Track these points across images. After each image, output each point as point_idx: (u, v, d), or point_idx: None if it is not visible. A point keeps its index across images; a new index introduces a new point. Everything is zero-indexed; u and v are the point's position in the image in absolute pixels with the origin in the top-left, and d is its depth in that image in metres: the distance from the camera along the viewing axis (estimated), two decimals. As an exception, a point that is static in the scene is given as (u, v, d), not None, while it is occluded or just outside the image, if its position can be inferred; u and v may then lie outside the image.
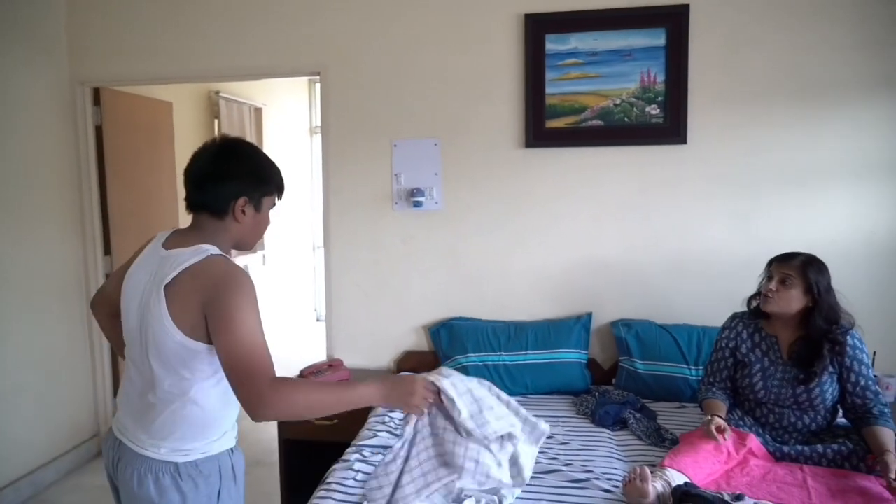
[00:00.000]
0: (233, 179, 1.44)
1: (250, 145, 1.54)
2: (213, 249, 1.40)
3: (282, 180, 1.53)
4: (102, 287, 1.67)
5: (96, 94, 3.39)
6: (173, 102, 3.97)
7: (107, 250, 3.47)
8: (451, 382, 1.56)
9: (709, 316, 2.74)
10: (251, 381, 1.26)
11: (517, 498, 1.82)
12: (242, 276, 1.36)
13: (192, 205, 1.47)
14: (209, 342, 1.34)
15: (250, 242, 1.53)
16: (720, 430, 1.90)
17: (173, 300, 1.34)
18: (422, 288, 3.04)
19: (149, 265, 1.44)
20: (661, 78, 2.74)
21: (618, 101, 2.78)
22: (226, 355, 1.29)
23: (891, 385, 2.54)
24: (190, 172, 1.47)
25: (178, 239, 1.45)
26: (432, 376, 1.55)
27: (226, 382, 1.32)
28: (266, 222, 1.53)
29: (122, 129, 3.54)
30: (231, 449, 1.49)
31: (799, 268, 2.01)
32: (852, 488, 1.80)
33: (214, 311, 1.31)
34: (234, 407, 1.47)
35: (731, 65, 2.70)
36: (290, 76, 3.32)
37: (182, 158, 4.04)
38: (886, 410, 1.96)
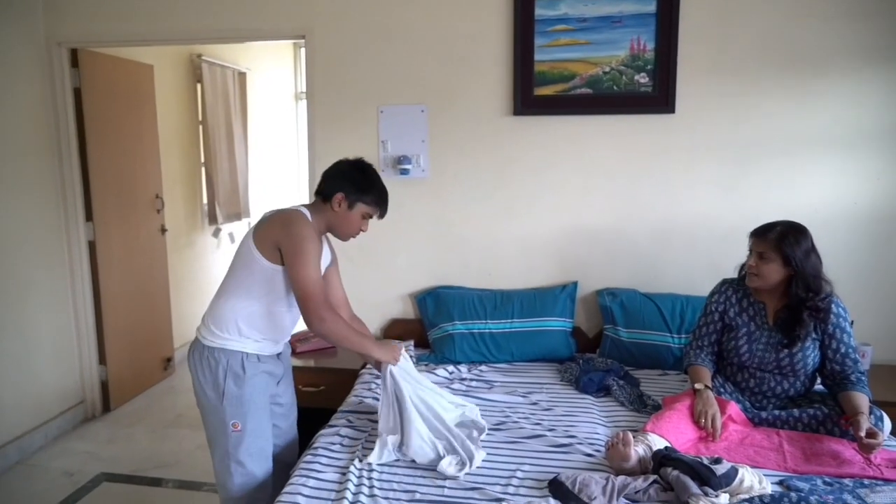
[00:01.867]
0: (341, 179, 1.96)
1: (371, 169, 2.01)
2: (302, 209, 1.93)
3: (380, 199, 1.99)
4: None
5: (74, 55, 3.30)
6: (154, 65, 3.87)
7: (88, 216, 3.42)
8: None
9: (693, 285, 2.77)
10: (314, 302, 1.81)
11: (502, 460, 1.87)
12: (307, 227, 1.87)
13: (317, 189, 2.00)
14: (273, 262, 1.85)
15: (339, 233, 2.01)
16: (714, 428, 1.92)
17: (259, 229, 1.91)
18: (408, 256, 3.04)
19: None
20: (650, 46, 2.71)
21: (607, 69, 2.76)
22: (295, 282, 1.82)
23: (866, 353, 2.60)
24: (325, 170, 2.02)
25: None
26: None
27: (257, 306, 1.90)
28: (354, 222, 1.98)
29: (102, 92, 3.46)
30: (247, 354, 1.91)
31: (774, 243, 2.00)
32: (826, 452, 1.86)
33: (290, 252, 1.82)
34: (257, 328, 1.92)
35: (721, 33, 2.68)
36: (275, 39, 3.27)
37: (164, 123, 4.02)
38: (863, 378, 2.01)
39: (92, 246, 3.45)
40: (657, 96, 2.74)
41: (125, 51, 3.63)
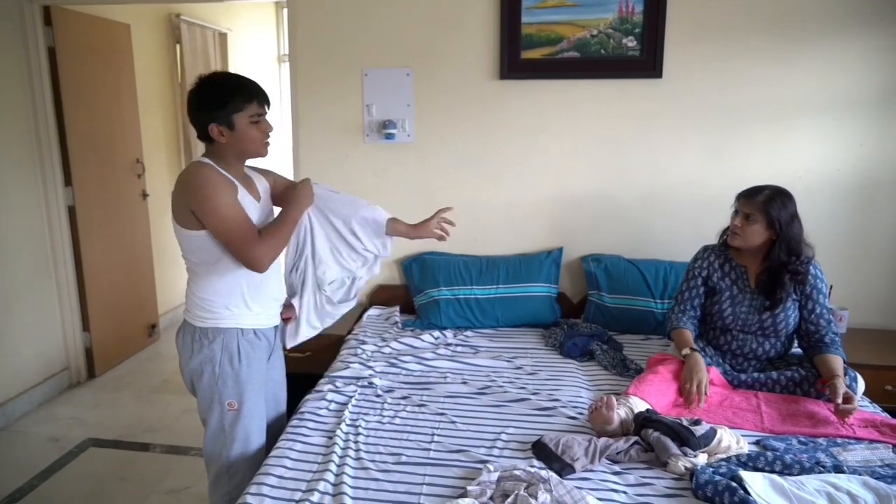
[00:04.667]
0: (200, 112, 1.72)
1: (216, 77, 1.76)
2: (199, 160, 1.75)
3: (247, 95, 1.72)
4: None
5: (47, 13, 3.18)
6: (131, 25, 3.75)
7: (67, 181, 3.35)
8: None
9: (676, 251, 2.80)
10: (246, 245, 1.69)
11: (487, 423, 1.90)
12: (202, 174, 1.69)
13: (198, 136, 1.78)
14: (195, 229, 1.70)
15: (250, 153, 1.80)
16: (699, 394, 1.92)
17: (173, 202, 1.74)
18: (394, 222, 3.02)
19: None
20: (639, 8, 2.67)
21: (595, 32, 2.72)
22: (218, 237, 1.70)
23: (843, 317, 2.66)
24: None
25: None
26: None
27: (218, 268, 1.75)
28: (249, 136, 1.75)
29: (78, 51, 3.35)
30: (242, 330, 1.81)
31: (761, 205, 2.04)
32: (801, 412, 1.92)
33: (197, 207, 1.67)
34: (241, 297, 1.80)
35: (711, -4, 2.65)
36: (256, -2, 3.16)
37: (143, 85, 3.92)
38: (837, 339, 2.06)
39: (72, 211, 3.39)
40: (645, 60, 2.71)
41: (99, 9, 3.51)
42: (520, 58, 2.78)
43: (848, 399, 1.83)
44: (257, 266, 1.72)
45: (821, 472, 1.57)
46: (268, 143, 1.81)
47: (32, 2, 3.11)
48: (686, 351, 2.06)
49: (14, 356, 3.15)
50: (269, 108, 1.79)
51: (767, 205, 2.03)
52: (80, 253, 3.43)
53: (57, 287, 3.40)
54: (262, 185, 1.93)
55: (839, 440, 1.77)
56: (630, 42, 2.71)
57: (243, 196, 1.77)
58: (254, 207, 1.81)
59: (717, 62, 2.69)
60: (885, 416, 1.93)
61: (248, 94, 1.72)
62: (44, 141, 3.24)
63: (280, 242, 1.78)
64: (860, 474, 1.56)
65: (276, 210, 1.96)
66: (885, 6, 2.56)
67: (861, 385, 2.02)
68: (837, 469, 1.59)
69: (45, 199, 3.30)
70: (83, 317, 3.51)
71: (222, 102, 1.70)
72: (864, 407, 1.99)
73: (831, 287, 2.15)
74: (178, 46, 4.31)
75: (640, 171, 2.83)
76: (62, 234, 3.36)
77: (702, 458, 1.64)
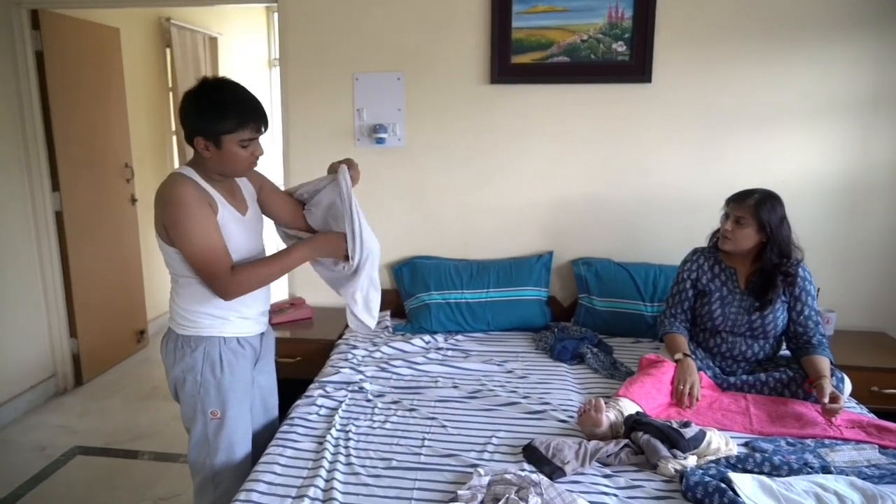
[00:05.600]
0: (186, 122, 1.65)
1: (219, 86, 1.64)
2: (179, 170, 1.69)
3: (243, 116, 1.62)
4: None
5: (35, 17, 3.16)
6: (120, 29, 3.74)
7: (55, 186, 3.33)
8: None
9: (666, 255, 2.81)
10: (213, 278, 1.64)
11: (478, 427, 1.91)
12: (177, 193, 1.61)
13: (185, 138, 1.70)
14: (173, 246, 1.66)
15: (229, 173, 1.72)
16: (692, 396, 1.96)
17: (154, 215, 1.68)
18: (384, 226, 3.01)
19: None
20: (628, 14, 2.69)
21: (585, 38, 2.74)
22: (189, 262, 1.66)
23: (830, 319, 2.69)
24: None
25: None
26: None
27: (199, 279, 1.68)
28: (236, 158, 1.67)
29: (66, 56, 3.33)
30: (224, 339, 1.78)
31: (752, 209, 2.07)
32: (790, 413, 1.93)
33: (169, 227, 1.63)
34: (223, 307, 1.74)
35: (699, 1, 2.66)
36: (247, 2, 3.16)
37: (132, 89, 3.90)
38: (824, 341, 2.09)
39: (59, 217, 3.36)
40: (634, 65, 2.73)
41: (88, 12, 3.50)
42: (510, 62, 2.79)
43: (835, 398, 1.85)
44: (222, 297, 1.67)
45: (809, 473, 1.58)
46: (254, 166, 1.73)
47: (20, 5, 3.09)
48: (679, 356, 2.08)
49: (2, 364, 3.11)
50: (265, 129, 1.69)
51: (758, 208, 2.06)
52: (67, 258, 3.40)
53: (44, 293, 3.37)
54: (249, 192, 1.87)
55: (827, 441, 1.78)
56: (620, 47, 2.73)
57: (224, 213, 1.70)
58: (237, 224, 1.74)
59: (706, 67, 2.71)
60: (872, 417, 1.95)
61: (243, 118, 1.62)
62: (31, 145, 3.22)
63: (258, 280, 1.71)
64: (847, 475, 1.57)
65: (265, 219, 1.91)
66: (873, 11, 2.59)
67: (848, 386, 2.04)
68: (825, 470, 1.61)
69: (33, 204, 3.28)
70: (70, 323, 3.48)
71: (214, 118, 1.60)
72: (851, 408, 2.01)
73: (819, 289, 2.17)
74: (168, 50, 4.30)
75: (630, 174, 2.85)
76: (49, 239, 3.33)
77: (691, 460, 1.64)
